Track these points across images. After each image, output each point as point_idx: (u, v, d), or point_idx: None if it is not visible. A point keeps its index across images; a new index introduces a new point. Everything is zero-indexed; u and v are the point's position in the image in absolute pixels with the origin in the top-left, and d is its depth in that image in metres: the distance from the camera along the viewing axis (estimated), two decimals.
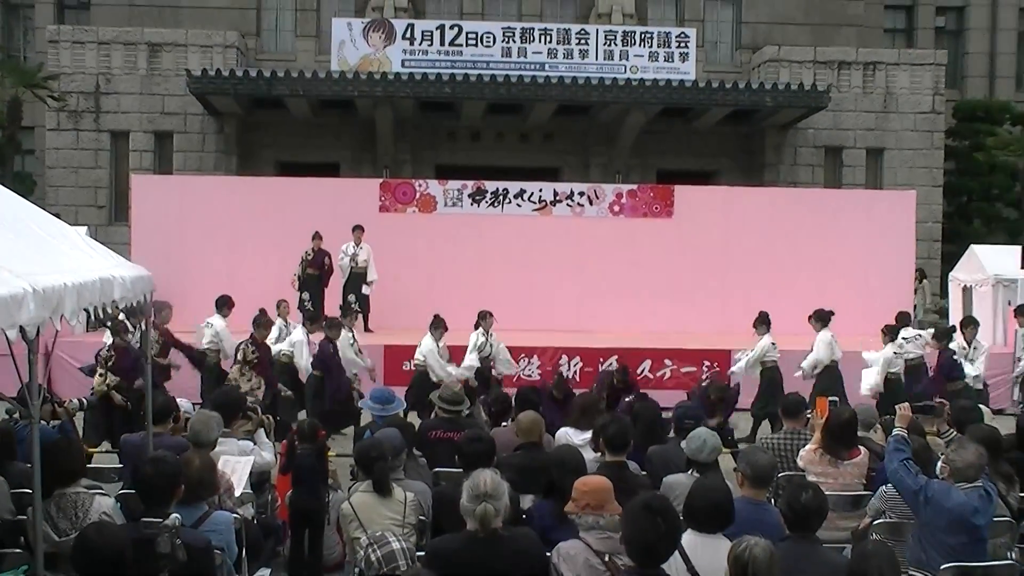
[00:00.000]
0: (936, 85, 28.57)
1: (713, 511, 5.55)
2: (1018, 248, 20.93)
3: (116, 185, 26.94)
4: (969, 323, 16.51)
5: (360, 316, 18.71)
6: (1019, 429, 8.43)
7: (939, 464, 6.87)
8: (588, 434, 8.49)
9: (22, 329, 5.00)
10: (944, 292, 25.45)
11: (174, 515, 5.66)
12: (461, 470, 7.23)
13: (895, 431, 7.07)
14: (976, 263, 21.28)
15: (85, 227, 19.60)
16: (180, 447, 7.54)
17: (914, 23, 34.33)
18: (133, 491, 6.31)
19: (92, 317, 6.45)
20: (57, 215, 7.93)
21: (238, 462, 7.84)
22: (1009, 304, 19.70)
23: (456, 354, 15.56)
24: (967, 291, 21.60)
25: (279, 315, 16.02)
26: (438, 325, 15.27)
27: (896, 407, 7.48)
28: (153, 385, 10.46)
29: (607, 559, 5.39)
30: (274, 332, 15.31)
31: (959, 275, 22.13)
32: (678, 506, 5.55)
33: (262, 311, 14.34)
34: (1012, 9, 34.66)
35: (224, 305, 15.25)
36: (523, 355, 17.70)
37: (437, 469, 8.36)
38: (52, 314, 5.35)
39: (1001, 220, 31.22)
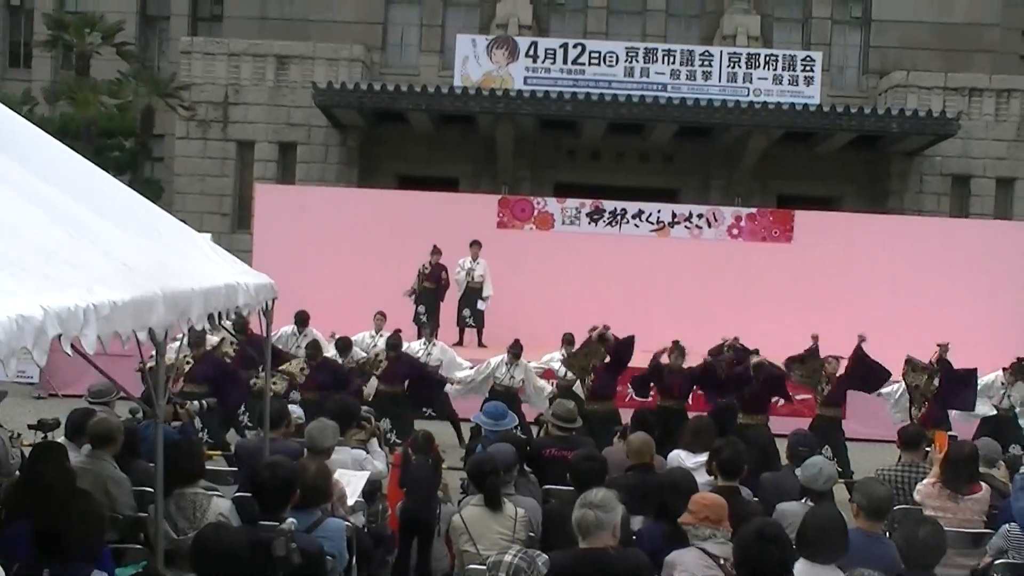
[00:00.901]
0: None
1: (827, 541, 5.43)
2: None
3: (240, 193, 27.54)
4: None
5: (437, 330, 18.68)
6: None
7: None
8: (701, 457, 8.39)
9: (151, 331, 5.13)
10: None
11: (290, 519, 5.75)
12: (572, 488, 7.22)
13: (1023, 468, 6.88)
14: None
15: (209, 233, 20.01)
16: (294, 453, 7.66)
17: None
18: (249, 494, 6.41)
19: (217, 322, 6.57)
20: (183, 221, 8.08)
21: (353, 476, 7.93)
22: None
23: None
24: None
25: (375, 326, 16.27)
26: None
27: None
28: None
29: (721, 562, 5.33)
30: (365, 341, 15.66)
31: None
32: (791, 534, 5.46)
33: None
34: None
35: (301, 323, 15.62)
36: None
37: (547, 487, 8.35)
38: (179, 318, 5.48)
39: None
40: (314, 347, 13.81)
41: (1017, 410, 14.55)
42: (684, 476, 6.78)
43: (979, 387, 14.79)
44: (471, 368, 15.53)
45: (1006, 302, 21.10)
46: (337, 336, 14.95)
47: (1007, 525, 7.21)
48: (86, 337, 4.21)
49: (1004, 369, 14.83)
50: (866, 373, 13.50)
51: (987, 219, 26.63)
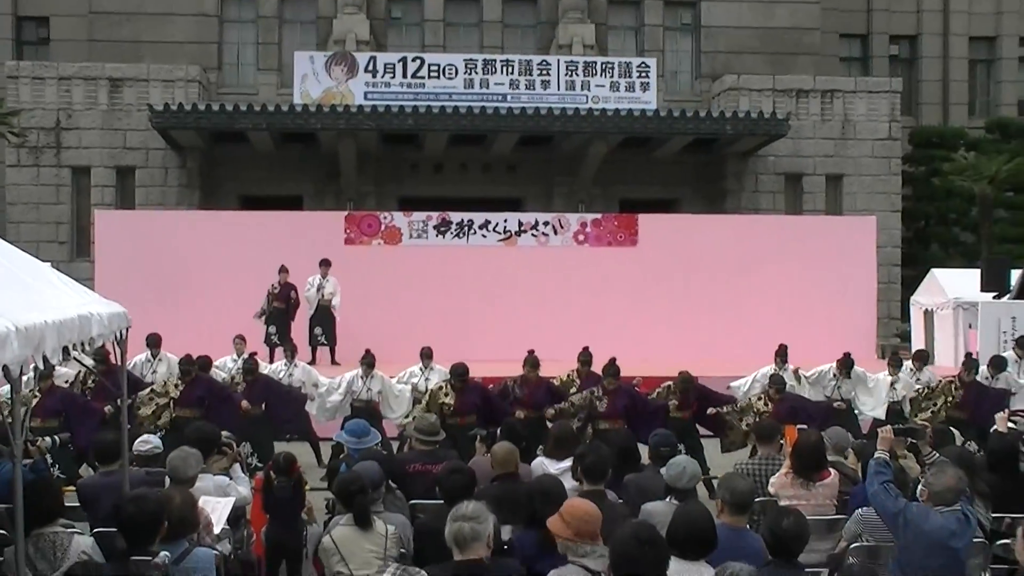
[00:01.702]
0: (892, 112, 28.96)
1: (697, 538, 5.56)
2: (977, 271, 21.20)
3: (77, 221, 26.80)
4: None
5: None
6: (991, 451, 8.55)
7: (919, 487, 6.95)
8: (565, 463, 8.50)
9: (5, 368, 4.99)
10: (905, 316, 25.71)
11: (163, 552, 5.64)
12: (439, 502, 7.24)
13: (877, 454, 7.14)
14: (936, 287, 21.56)
15: (48, 263, 19.45)
16: (146, 483, 7.52)
17: (869, 51, 34.74)
18: (111, 529, 6.26)
19: (71, 354, 6.41)
20: None
21: (218, 503, 7.80)
22: (970, 327, 19.95)
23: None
24: (928, 315, 21.86)
25: (236, 350, 16.01)
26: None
27: (879, 430, 7.56)
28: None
29: None
30: (229, 365, 15.45)
31: (920, 299, 22.39)
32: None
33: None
34: (963, 39, 35.18)
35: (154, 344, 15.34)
36: (491, 385, 17.66)
37: (414, 502, 8.35)
38: (34, 352, 5.34)
39: (958, 244, 31.60)
40: (187, 362, 13.57)
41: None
42: (553, 483, 6.85)
43: (812, 377, 15.37)
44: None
45: (843, 292, 21.84)
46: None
47: (861, 509, 7.48)
48: None
49: (837, 362, 15.39)
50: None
51: (820, 214, 27.52)
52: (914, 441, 9.11)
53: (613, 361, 13.62)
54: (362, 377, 14.68)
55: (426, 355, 15.23)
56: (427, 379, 14.85)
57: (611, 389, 13.27)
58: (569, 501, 5.86)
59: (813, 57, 30.26)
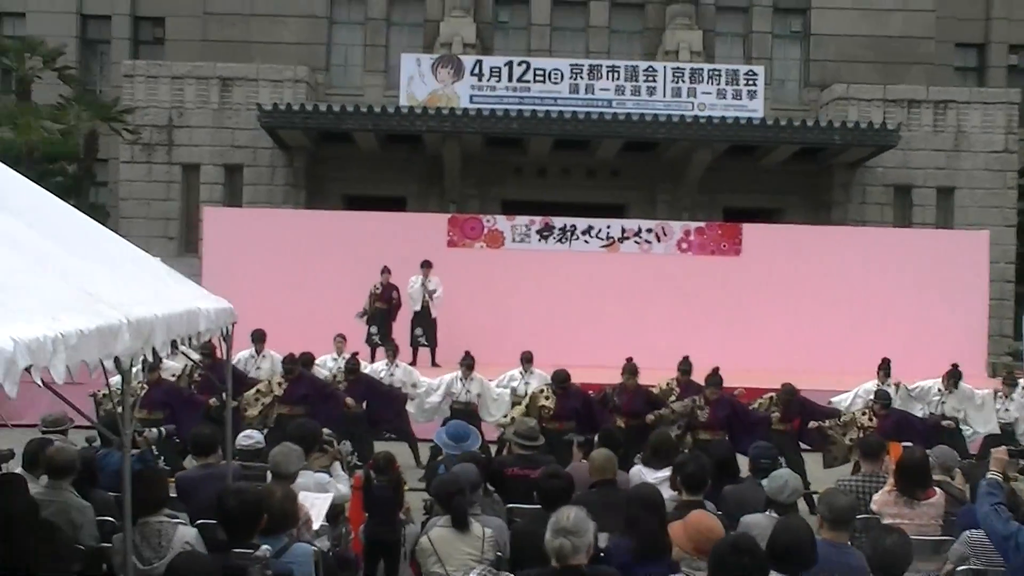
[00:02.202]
0: (1008, 124, 28.23)
1: (797, 552, 5.46)
2: None
3: (186, 217, 27.32)
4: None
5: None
6: None
7: None
8: (663, 472, 8.43)
9: (117, 360, 5.07)
10: (1018, 334, 25.09)
11: (264, 546, 5.70)
12: (535, 506, 7.21)
13: (988, 475, 6.93)
14: None
15: (157, 258, 19.85)
16: (240, 477, 7.62)
17: (986, 61, 34.01)
18: (212, 521, 6.34)
19: (179, 347, 6.50)
20: None
21: (317, 498, 7.86)
22: None
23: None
24: None
25: (336, 349, 16.16)
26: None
27: (992, 450, 7.34)
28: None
29: None
30: (329, 364, 15.59)
31: None
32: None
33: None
34: None
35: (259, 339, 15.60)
36: (590, 392, 17.60)
37: (511, 505, 8.33)
38: (144, 345, 5.42)
39: None
40: (291, 360, 13.78)
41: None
42: (651, 491, 6.77)
43: (916, 392, 15.02)
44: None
45: (952, 309, 21.38)
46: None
47: (968, 531, 7.27)
48: (55, 367, 4.16)
49: (944, 375, 15.02)
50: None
51: (929, 228, 26.97)
52: None
53: (716, 371, 13.50)
54: (461, 379, 14.75)
55: (526, 359, 15.18)
56: (527, 383, 14.79)
57: (713, 399, 13.15)
58: (696, 515, 5.78)
59: (926, 67, 29.65)
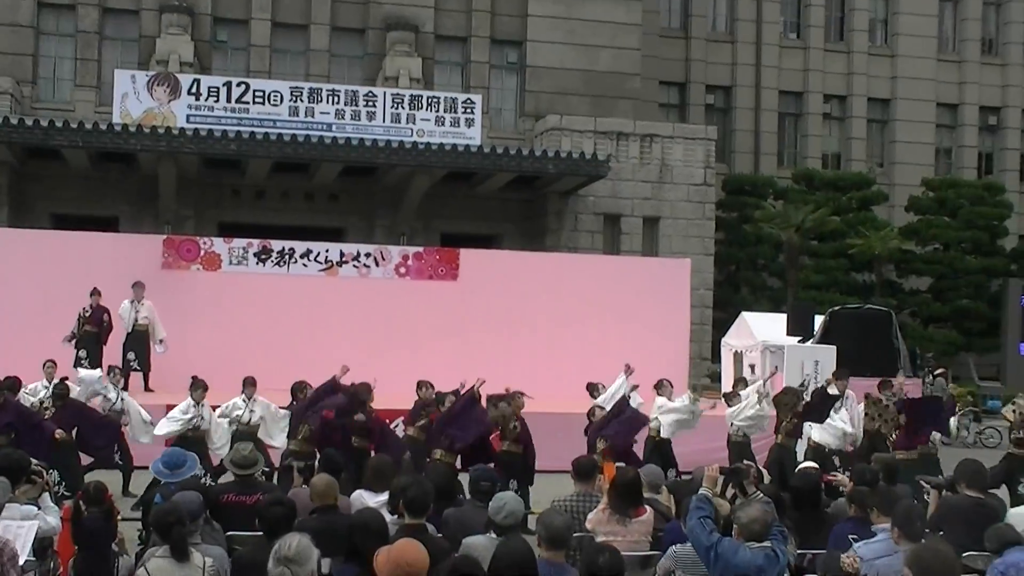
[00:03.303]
0: (707, 158, 29.86)
1: (519, 572, 5.68)
2: (784, 316, 22.05)
3: None
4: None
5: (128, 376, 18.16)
6: (796, 489, 8.94)
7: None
8: (383, 496, 8.54)
9: None
10: (715, 357, 26.53)
11: None
12: (254, 534, 7.18)
13: (700, 490, 7.39)
14: (746, 329, 22.35)
15: None
16: None
17: (687, 99, 35.96)
18: None
19: None
20: None
21: (20, 527, 7.56)
22: (776, 368, 20.69)
23: None
24: (738, 356, 22.61)
25: (45, 375, 15.49)
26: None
27: (705, 468, 7.80)
28: None
29: None
30: (40, 392, 14.94)
31: (731, 341, 23.17)
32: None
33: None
34: (773, 92, 36.90)
35: None
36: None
37: (230, 533, 8.25)
38: None
39: (766, 289, 32.86)
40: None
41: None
42: (374, 516, 6.88)
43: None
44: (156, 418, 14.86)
45: (657, 333, 22.36)
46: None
47: (675, 546, 7.69)
48: None
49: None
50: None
51: (637, 255, 28.17)
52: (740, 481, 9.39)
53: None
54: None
55: (249, 384, 14.89)
56: (251, 411, 14.61)
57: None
58: (399, 545, 5.72)
59: (633, 102, 31.05)
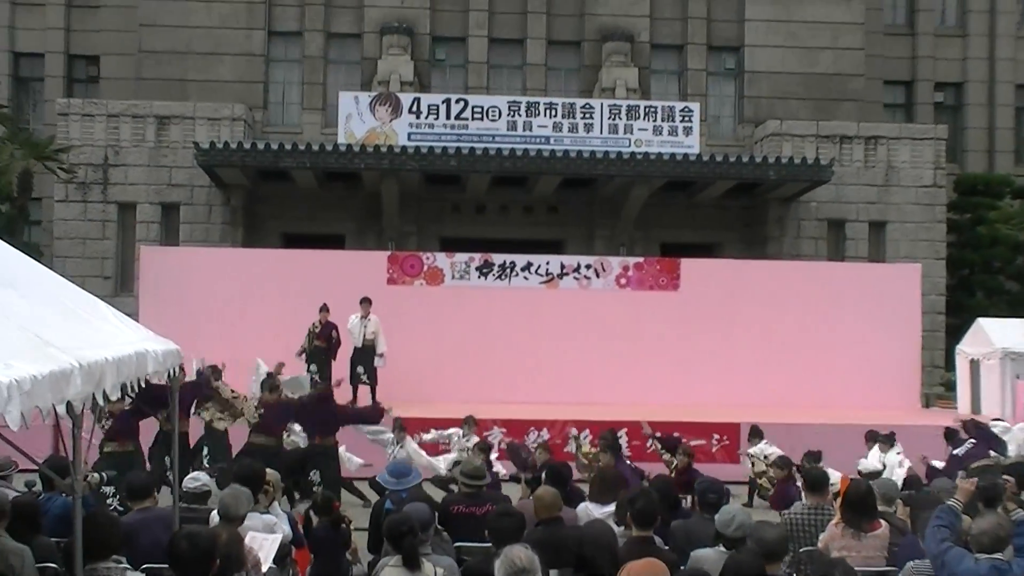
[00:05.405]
0: (937, 159, 28.78)
1: None
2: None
3: (122, 256, 27.04)
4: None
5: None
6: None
7: None
8: (609, 507, 8.48)
9: (69, 404, 5.04)
10: (949, 365, 25.50)
11: None
12: (483, 545, 7.21)
13: (949, 501, 7.12)
14: (983, 336, 21.37)
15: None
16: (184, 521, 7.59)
17: (913, 98, 34.70)
18: (161, 566, 6.27)
19: (125, 391, 6.45)
20: None
21: (265, 539, 7.79)
22: (1018, 377, 19.76)
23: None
24: (974, 364, 21.66)
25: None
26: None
27: (959, 481, 7.50)
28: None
29: None
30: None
31: (966, 348, 22.20)
32: None
33: (270, 374, 14.60)
34: (1009, 86, 35.11)
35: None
36: (532, 428, 17.67)
37: (458, 544, 8.32)
38: (95, 389, 5.39)
39: (1003, 293, 31.33)
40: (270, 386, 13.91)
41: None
42: (603, 529, 6.84)
43: None
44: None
45: (885, 341, 21.69)
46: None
47: (912, 562, 7.38)
48: (10, 414, 4.14)
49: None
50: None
51: (862, 261, 27.37)
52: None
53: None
54: (395, 442, 14.90)
55: (471, 423, 15.25)
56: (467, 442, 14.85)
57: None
58: (638, 565, 5.72)
59: (857, 103, 30.20)
